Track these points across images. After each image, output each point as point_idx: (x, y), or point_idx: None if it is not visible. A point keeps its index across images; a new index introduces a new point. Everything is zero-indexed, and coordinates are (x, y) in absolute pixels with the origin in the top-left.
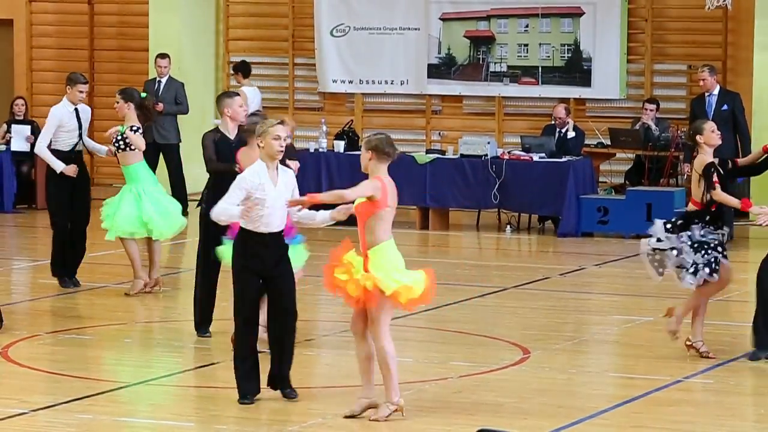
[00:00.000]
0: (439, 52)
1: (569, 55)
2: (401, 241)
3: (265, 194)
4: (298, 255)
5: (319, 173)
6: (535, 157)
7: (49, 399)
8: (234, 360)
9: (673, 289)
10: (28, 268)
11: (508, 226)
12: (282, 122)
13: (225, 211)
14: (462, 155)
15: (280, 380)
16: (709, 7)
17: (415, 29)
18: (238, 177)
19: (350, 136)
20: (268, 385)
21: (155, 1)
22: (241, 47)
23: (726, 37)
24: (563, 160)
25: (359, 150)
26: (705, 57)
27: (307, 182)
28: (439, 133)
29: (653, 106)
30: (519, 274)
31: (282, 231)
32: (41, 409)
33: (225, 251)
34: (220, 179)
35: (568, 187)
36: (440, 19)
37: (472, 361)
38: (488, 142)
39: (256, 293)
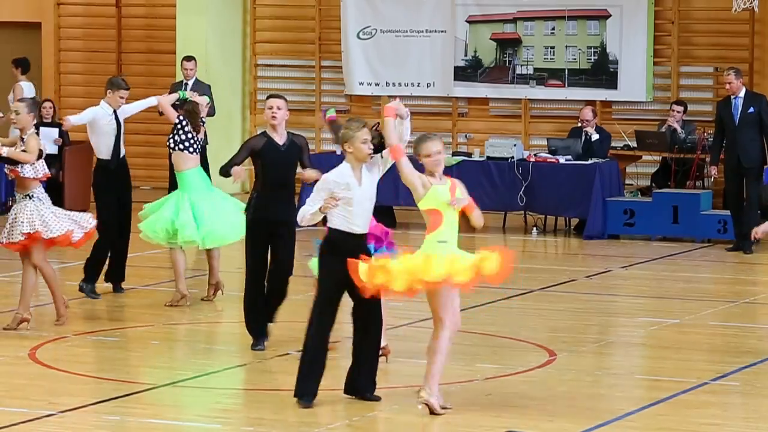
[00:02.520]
0: (466, 55)
1: (595, 57)
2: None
3: (351, 193)
4: None
5: None
6: (562, 160)
7: (76, 400)
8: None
9: (699, 291)
10: (56, 270)
11: (535, 229)
12: (365, 125)
13: (306, 212)
14: (488, 157)
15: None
16: (735, 10)
17: (442, 32)
18: (321, 178)
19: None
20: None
21: (182, 3)
22: (268, 50)
23: (752, 40)
24: (589, 162)
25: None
26: (731, 59)
27: None
28: (466, 136)
29: (680, 108)
30: (545, 276)
31: (365, 234)
32: (69, 410)
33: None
34: (269, 185)
35: (594, 190)
36: (467, 21)
37: (498, 364)
38: (514, 145)
39: (338, 296)
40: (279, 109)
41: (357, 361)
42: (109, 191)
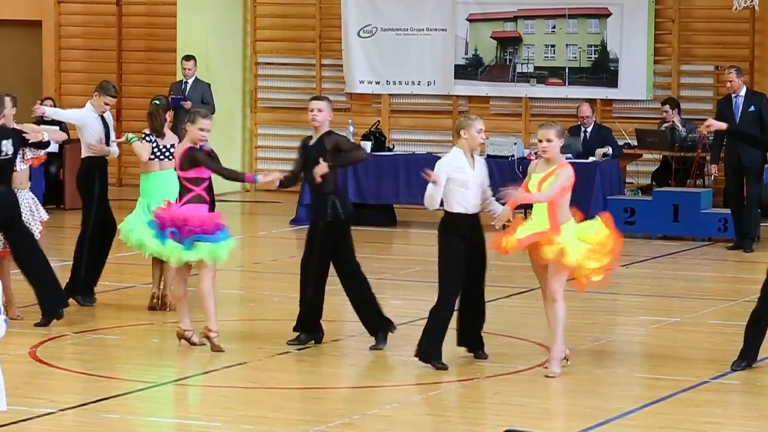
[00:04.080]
0: (466, 53)
1: (596, 55)
2: (429, 242)
3: (466, 176)
4: (221, 249)
5: (346, 173)
6: None
7: (76, 399)
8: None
9: (699, 290)
10: (55, 269)
11: None
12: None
13: (428, 195)
14: (489, 156)
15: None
16: (736, 8)
17: (442, 30)
18: (437, 164)
19: (377, 137)
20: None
21: (183, 2)
22: (269, 48)
23: (753, 38)
24: (590, 160)
25: (386, 150)
26: (732, 58)
27: None
28: None
29: (667, 107)
30: None
31: (478, 214)
32: (69, 408)
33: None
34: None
35: (594, 188)
36: (467, 20)
37: (498, 362)
38: (515, 143)
39: (460, 269)
40: (320, 111)
41: (464, 319)
42: (99, 191)
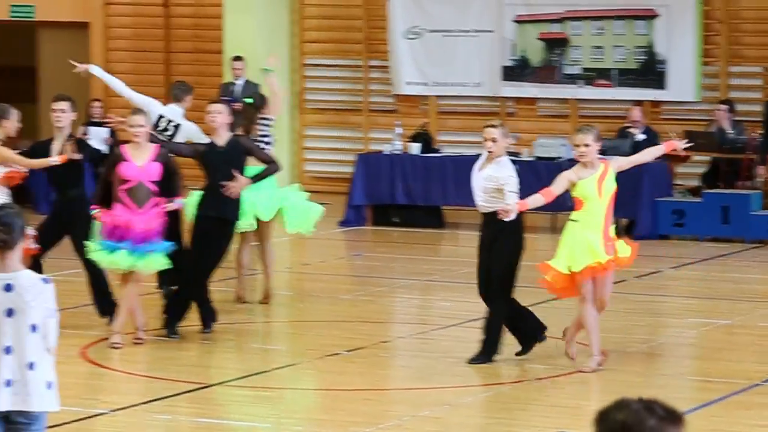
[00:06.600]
0: (513, 54)
1: (644, 57)
2: (476, 245)
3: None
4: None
5: (394, 176)
6: None
7: (128, 399)
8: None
9: (749, 292)
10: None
11: None
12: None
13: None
14: (537, 157)
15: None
16: None
17: (489, 31)
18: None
19: (425, 139)
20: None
21: (230, 2)
22: (315, 49)
23: None
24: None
25: (434, 152)
26: None
27: (381, 185)
28: (514, 136)
29: (724, 107)
30: None
31: None
32: (120, 409)
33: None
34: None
35: (643, 190)
36: (514, 21)
37: (549, 364)
38: (563, 145)
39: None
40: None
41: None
42: None
